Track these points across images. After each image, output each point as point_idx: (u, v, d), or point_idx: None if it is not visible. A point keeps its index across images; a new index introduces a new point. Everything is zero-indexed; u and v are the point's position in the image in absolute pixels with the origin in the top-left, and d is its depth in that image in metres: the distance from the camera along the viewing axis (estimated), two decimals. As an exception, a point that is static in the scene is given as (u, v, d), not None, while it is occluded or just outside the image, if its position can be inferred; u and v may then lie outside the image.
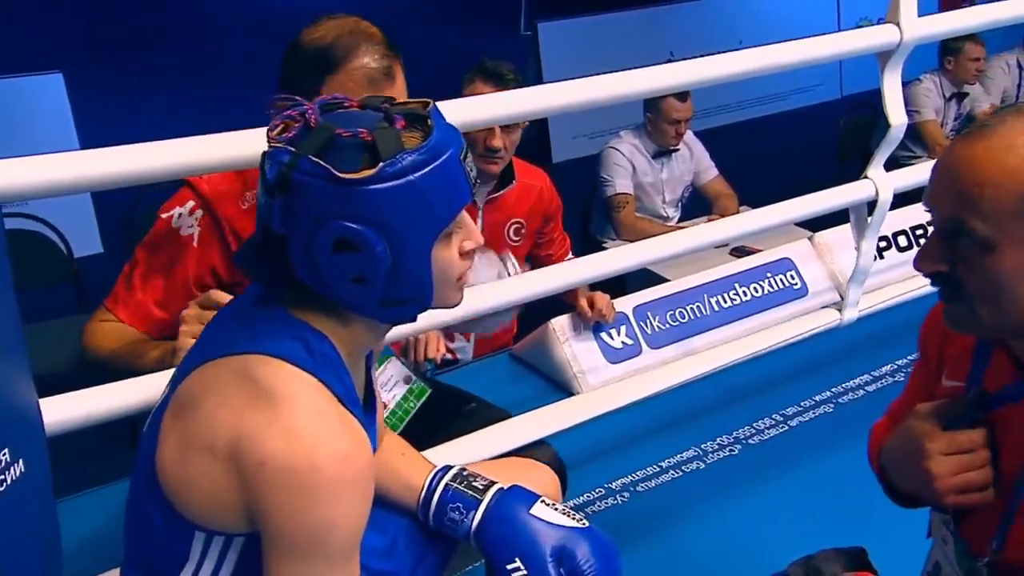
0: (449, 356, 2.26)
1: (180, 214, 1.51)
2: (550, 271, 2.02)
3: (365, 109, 1.00)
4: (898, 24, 2.00)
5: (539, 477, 1.41)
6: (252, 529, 0.97)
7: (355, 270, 0.96)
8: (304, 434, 0.92)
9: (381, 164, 0.93)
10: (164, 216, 1.53)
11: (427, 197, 0.96)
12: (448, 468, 1.29)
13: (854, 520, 1.36)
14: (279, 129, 0.97)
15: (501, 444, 1.80)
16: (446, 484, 1.25)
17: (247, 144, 1.42)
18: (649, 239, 2.12)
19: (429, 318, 1.62)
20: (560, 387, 2.22)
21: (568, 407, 2.05)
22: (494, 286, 1.75)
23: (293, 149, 0.94)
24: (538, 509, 1.22)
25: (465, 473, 1.27)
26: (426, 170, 0.95)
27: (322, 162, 0.92)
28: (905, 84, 3.88)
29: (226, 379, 0.97)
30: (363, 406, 1.10)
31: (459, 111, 1.63)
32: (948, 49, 3.81)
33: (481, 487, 1.25)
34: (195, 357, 1.02)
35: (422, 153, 0.95)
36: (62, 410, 1.35)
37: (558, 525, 1.21)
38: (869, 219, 2.24)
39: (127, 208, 3.08)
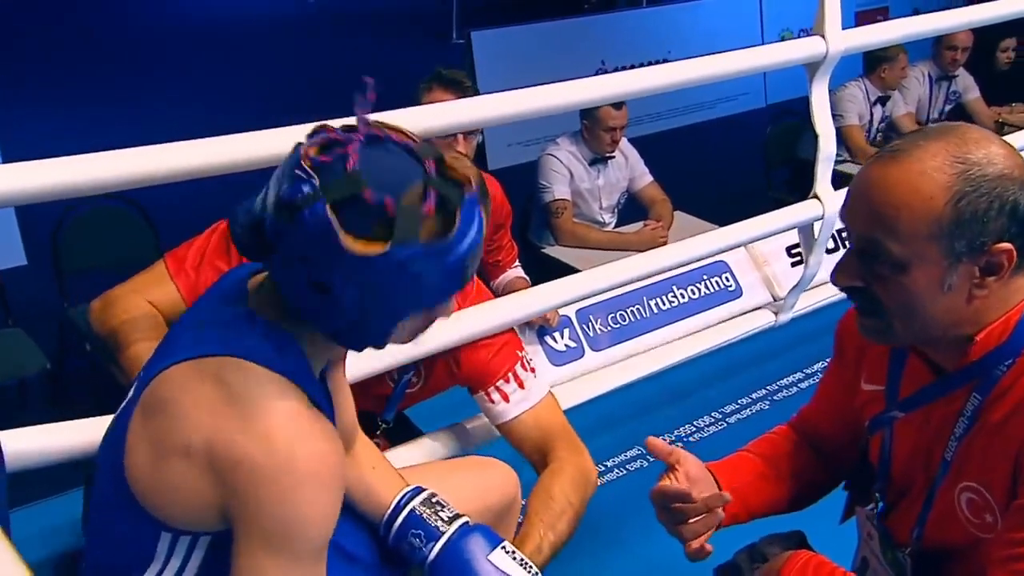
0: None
1: None
2: (514, 300, 1.93)
3: (409, 158, 0.96)
4: (823, 36, 2.10)
5: (498, 475, 1.43)
6: (223, 527, 0.97)
7: (323, 308, 0.96)
8: (280, 435, 0.93)
9: (389, 247, 0.91)
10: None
11: (421, 285, 0.96)
12: (419, 491, 1.28)
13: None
14: (317, 148, 0.94)
15: (441, 451, 1.81)
16: (412, 508, 1.25)
17: (190, 155, 1.42)
18: (607, 265, 2.11)
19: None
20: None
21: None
22: (460, 317, 1.71)
23: (317, 183, 0.91)
24: (496, 556, 1.22)
25: (434, 500, 1.27)
26: (431, 264, 0.94)
27: (335, 220, 0.90)
28: (830, 91, 4.08)
29: (198, 381, 0.96)
30: None
31: (436, 116, 1.64)
32: (884, 58, 4.03)
33: (447, 519, 1.25)
34: (163, 358, 1.01)
35: (434, 248, 0.93)
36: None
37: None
38: (816, 237, 2.30)
39: (52, 221, 2.99)
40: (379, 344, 1.03)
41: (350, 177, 0.92)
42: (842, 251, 1.16)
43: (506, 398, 1.63)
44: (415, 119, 1.61)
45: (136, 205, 3.13)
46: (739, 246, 2.31)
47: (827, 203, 2.24)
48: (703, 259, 2.35)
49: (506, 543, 1.25)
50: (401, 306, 0.98)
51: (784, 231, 2.33)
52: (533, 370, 1.67)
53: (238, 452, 0.93)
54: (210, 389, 0.95)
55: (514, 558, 1.23)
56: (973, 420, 1.04)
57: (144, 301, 1.47)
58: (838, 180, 2.20)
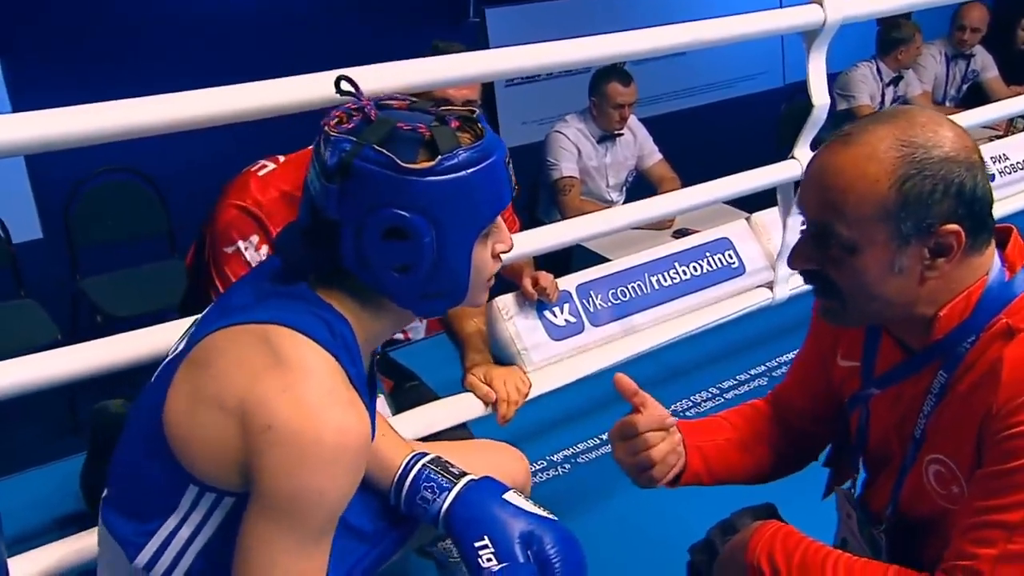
0: (400, 335, 2.29)
1: (247, 247, 1.52)
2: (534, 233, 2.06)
3: (415, 111, 1.04)
4: (821, 4, 2.08)
5: (509, 458, 1.45)
6: (244, 489, 1.00)
7: (402, 259, 1.00)
8: (313, 404, 0.96)
9: (440, 157, 0.98)
10: (230, 251, 1.53)
11: (476, 194, 1.01)
12: (425, 453, 1.31)
13: (779, 486, 1.42)
14: (337, 120, 1.02)
15: (443, 421, 1.84)
16: (423, 465, 1.28)
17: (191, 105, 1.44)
18: (588, 214, 2.17)
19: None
20: (504, 364, 2.25)
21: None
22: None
23: (354, 139, 0.98)
24: (510, 496, 1.25)
25: (442, 460, 1.30)
26: (478, 168, 1.00)
27: (385, 151, 0.97)
28: (842, 71, 4.05)
29: (245, 342, 1.00)
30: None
31: (431, 71, 1.66)
32: (900, 39, 4.00)
33: (456, 473, 1.28)
34: (214, 320, 1.05)
35: (476, 152, 1.00)
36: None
37: (528, 512, 1.23)
38: (795, 198, 2.33)
39: (67, 194, 3.04)
40: (460, 293, 1.06)
41: (380, 121, 1.00)
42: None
43: None
44: (418, 72, 1.65)
45: (148, 179, 3.17)
46: (713, 202, 2.37)
47: (804, 164, 2.27)
48: (674, 215, 2.54)
49: (515, 489, 1.27)
50: (468, 224, 1.02)
51: (761, 189, 2.34)
52: None
53: (270, 414, 0.95)
54: (256, 350, 0.99)
55: (527, 499, 1.26)
56: (940, 397, 1.05)
57: None
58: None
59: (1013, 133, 3.74)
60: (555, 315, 2.36)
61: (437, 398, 1.90)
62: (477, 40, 5.67)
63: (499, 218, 1.07)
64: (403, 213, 0.98)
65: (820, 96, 2.19)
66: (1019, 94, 4.30)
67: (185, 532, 1.05)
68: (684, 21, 2.08)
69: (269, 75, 1.54)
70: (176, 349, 1.10)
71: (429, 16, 6.24)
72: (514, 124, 5.62)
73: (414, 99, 1.07)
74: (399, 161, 0.97)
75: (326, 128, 1.01)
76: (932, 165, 0.96)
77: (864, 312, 1.05)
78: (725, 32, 2.06)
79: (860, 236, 0.99)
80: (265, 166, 1.61)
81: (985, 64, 4.41)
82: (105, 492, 1.13)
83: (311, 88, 1.51)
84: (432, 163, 0.97)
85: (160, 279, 2.98)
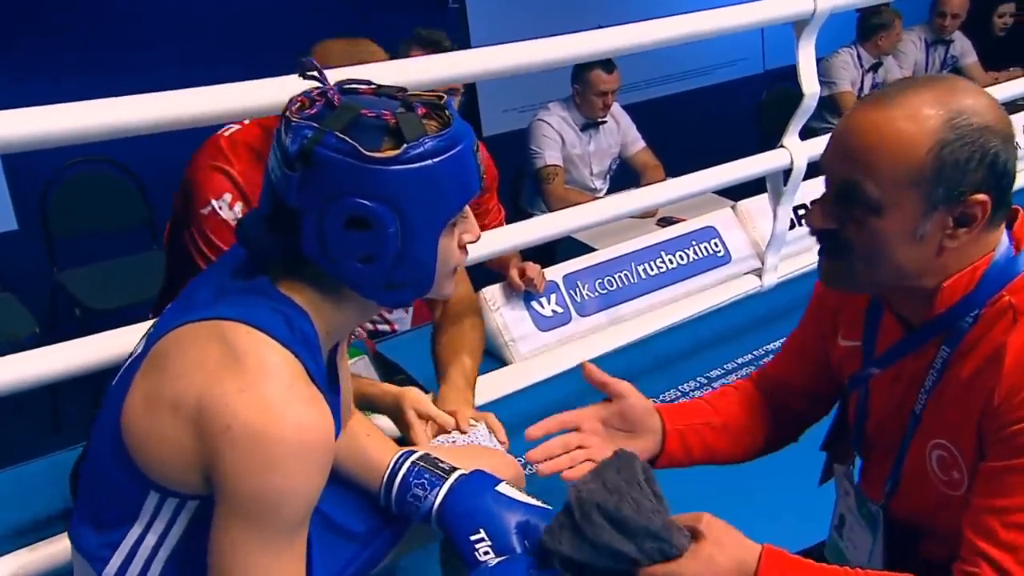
0: (387, 327, 2.28)
1: (221, 206, 1.49)
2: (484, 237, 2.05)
3: (380, 96, 1.01)
4: (811, -8, 2.09)
5: (500, 463, 1.41)
6: (207, 491, 0.98)
7: (365, 249, 0.97)
8: (273, 404, 0.93)
9: (405, 146, 0.95)
10: (206, 211, 1.50)
11: (442, 184, 0.98)
12: (413, 451, 1.29)
13: (766, 474, 1.41)
14: (299, 105, 0.98)
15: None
16: (412, 462, 1.26)
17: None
18: (576, 206, 2.17)
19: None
20: (492, 355, 2.25)
21: (499, 377, 2.10)
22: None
23: (316, 125, 0.95)
24: (502, 488, 1.22)
25: (431, 456, 1.28)
26: (444, 156, 0.97)
27: (348, 139, 0.94)
28: (823, 57, 4.06)
29: (202, 341, 0.97)
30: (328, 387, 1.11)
31: (412, 72, 1.64)
32: (880, 25, 4.02)
33: (447, 468, 1.25)
34: (173, 317, 1.02)
35: (442, 140, 0.97)
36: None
37: (522, 502, 1.21)
38: (785, 187, 2.33)
39: (42, 185, 2.99)
40: (426, 284, 1.04)
41: (344, 107, 0.97)
42: (803, 229, 1.15)
43: None
44: (397, 72, 1.61)
45: (125, 169, 3.12)
46: (703, 192, 2.36)
47: (795, 153, 2.27)
48: (663, 206, 2.52)
49: (507, 481, 1.25)
50: (434, 214, 0.99)
51: (751, 178, 2.34)
52: None
53: (229, 415, 0.93)
54: (212, 348, 0.96)
55: (520, 491, 1.24)
56: (941, 373, 1.04)
57: None
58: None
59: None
60: (542, 306, 2.36)
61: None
62: (458, 26, 5.63)
63: (467, 207, 1.04)
64: (366, 202, 0.95)
65: (811, 84, 2.19)
66: (997, 80, 4.36)
67: (151, 540, 1.03)
68: (666, 3, 2.07)
69: (245, 62, 1.51)
70: (136, 351, 1.07)
71: (409, 2, 6.19)
72: (495, 112, 5.58)
73: (382, 86, 1.04)
74: (362, 149, 0.94)
75: (287, 113, 0.98)
76: (971, 133, 0.95)
77: (871, 278, 1.03)
78: (715, 24, 2.05)
79: (888, 198, 0.97)
80: (230, 127, 1.60)
81: (964, 50, 4.43)
82: (74, 506, 1.10)
83: (289, 90, 1.49)
84: (397, 152, 0.94)
85: (140, 271, 2.94)
